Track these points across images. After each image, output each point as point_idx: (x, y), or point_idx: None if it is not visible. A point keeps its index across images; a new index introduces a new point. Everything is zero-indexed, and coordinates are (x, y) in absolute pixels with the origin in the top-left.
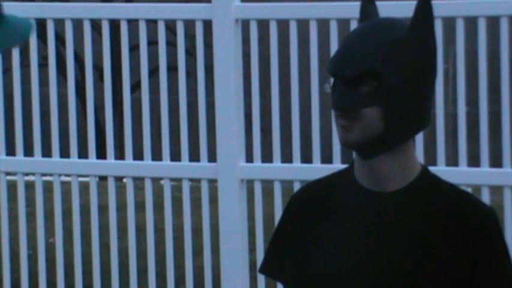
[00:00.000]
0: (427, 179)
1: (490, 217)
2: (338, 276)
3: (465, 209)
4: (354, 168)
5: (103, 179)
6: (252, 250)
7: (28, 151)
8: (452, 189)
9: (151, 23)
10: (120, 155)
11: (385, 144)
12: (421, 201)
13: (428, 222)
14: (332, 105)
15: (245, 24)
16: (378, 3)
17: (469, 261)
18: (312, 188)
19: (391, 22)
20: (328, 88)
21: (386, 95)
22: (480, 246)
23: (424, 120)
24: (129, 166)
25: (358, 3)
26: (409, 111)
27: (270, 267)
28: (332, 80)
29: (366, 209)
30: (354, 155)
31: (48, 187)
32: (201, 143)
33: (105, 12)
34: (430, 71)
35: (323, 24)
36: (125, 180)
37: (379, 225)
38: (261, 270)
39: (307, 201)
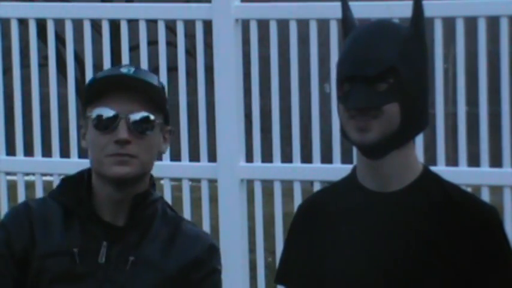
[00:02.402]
0: (429, 178)
1: (493, 216)
2: (347, 280)
3: (468, 208)
4: (356, 172)
5: None
6: (252, 250)
7: (28, 151)
8: (454, 189)
9: (151, 23)
10: None
11: (399, 140)
12: (424, 200)
13: (431, 221)
14: (350, 106)
15: (245, 24)
16: (378, 3)
17: (473, 259)
18: (317, 197)
19: (391, 22)
20: (328, 88)
21: (403, 91)
22: (483, 245)
23: (428, 116)
24: None
25: (359, 4)
26: (421, 105)
27: (284, 277)
28: (336, 82)
29: (370, 210)
30: (358, 156)
31: (48, 187)
32: (201, 143)
33: (105, 12)
34: (429, 67)
35: (323, 24)
36: None
37: (383, 225)
38: (276, 281)
39: (313, 210)
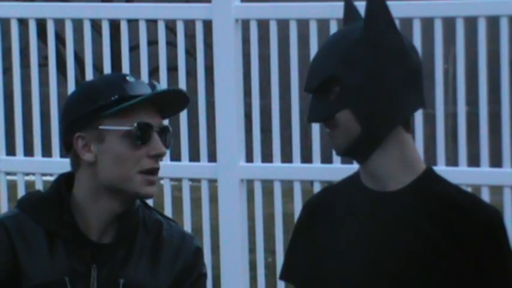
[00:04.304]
0: (429, 179)
1: (495, 218)
2: (345, 277)
3: (469, 210)
4: (359, 172)
5: None
6: (252, 250)
7: (28, 151)
8: (455, 190)
9: (151, 23)
10: None
11: (370, 143)
12: (425, 200)
13: (432, 222)
14: (306, 120)
15: (245, 24)
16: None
17: (473, 261)
18: (322, 194)
19: (350, 27)
20: None
21: (352, 97)
22: (484, 247)
23: (403, 110)
24: None
25: (359, 4)
26: (381, 107)
27: (288, 274)
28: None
29: (369, 209)
30: None
31: (48, 187)
32: (201, 143)
33: (105, 12)
34: (397, 65)
35: (323, 24)
36: None
37: (384, 225)
38: (281, 278)
39: (317, 208)
